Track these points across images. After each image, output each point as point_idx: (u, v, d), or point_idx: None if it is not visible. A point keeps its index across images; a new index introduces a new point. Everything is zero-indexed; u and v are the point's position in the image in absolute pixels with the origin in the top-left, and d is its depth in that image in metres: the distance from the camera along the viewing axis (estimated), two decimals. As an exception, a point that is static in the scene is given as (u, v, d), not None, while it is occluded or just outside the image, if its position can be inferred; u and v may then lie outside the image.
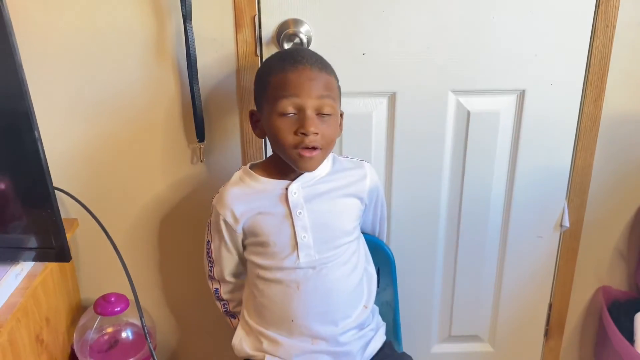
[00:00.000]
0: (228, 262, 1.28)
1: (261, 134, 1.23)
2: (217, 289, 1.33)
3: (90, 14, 1.31)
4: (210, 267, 1.31)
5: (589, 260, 1.60)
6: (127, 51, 1.34)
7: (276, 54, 1.26)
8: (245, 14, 1.31)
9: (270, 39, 1.33)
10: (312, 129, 1.11)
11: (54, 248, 1.21)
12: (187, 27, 1.28)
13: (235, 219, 1.21)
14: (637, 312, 1.52)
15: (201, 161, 1.42)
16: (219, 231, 1.24)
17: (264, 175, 1.22)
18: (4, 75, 1.05)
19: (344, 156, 1.30)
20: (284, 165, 1.19)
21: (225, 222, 1.22)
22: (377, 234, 1.40)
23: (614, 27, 1.35)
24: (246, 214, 1.20)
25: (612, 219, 1.57)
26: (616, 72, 1.40)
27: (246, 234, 1.23)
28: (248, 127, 1.40)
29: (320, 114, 1.13)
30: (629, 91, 1.43)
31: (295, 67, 1.13)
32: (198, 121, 1.37)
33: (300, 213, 1.19)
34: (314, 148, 1.13)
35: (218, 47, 1.34)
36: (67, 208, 1.46)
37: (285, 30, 1.30)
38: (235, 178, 1.24)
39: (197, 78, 1.33)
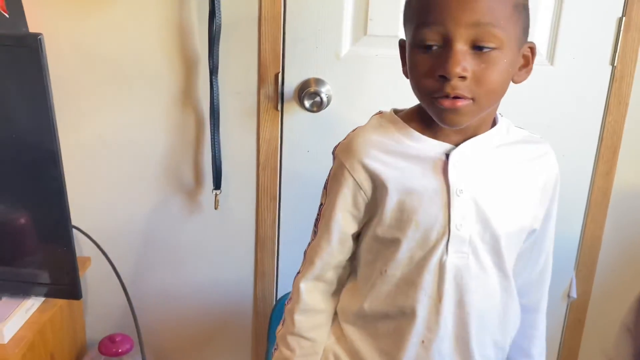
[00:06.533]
0: (344, 231, 0.91)
1: (406, 72, 0.87)
2: (300, 290, 0.94)
3: (120, 61, 1.36)
4: (313, 237, 0.95)
5: (595, 333, 1.59)
6: (152, 98, 1.39)
7: None
8: (270, 70, 1.36)
9: (292, 96, 1.38)
10: (456, 70, 0.77)
11: (66, 285, 1.23)
12: (213, 80, 1.33)
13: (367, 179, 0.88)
14: (642, 389, 1.50)
15: (215, 209, 1.45)
16: (343, 184, 0.89)
17: (417, 129, 0.88)
18: (37, 114, 1.09)
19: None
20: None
21: (354, 179, 0.88)
22: (534, 289, 1.02)
23: (627, 104, 1.38)
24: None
25: (620, 293, 1.56)
26: (628, 147, 1.42)
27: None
28: (264, 178, 1.44)
29: (477, 47, 0.78)
30: (639, 166, 1.45)
31: None
32: (216, 169, 1.40)
33: (461, 193, 0.86)
34: (457, 97, 0.79)
35: (241, 100, 1.39)
36: (80, 246, 1.48)
37: (307, 89, 1.35)
38: (374, 123, 0.92)
39: (219, 127, 1.37)
